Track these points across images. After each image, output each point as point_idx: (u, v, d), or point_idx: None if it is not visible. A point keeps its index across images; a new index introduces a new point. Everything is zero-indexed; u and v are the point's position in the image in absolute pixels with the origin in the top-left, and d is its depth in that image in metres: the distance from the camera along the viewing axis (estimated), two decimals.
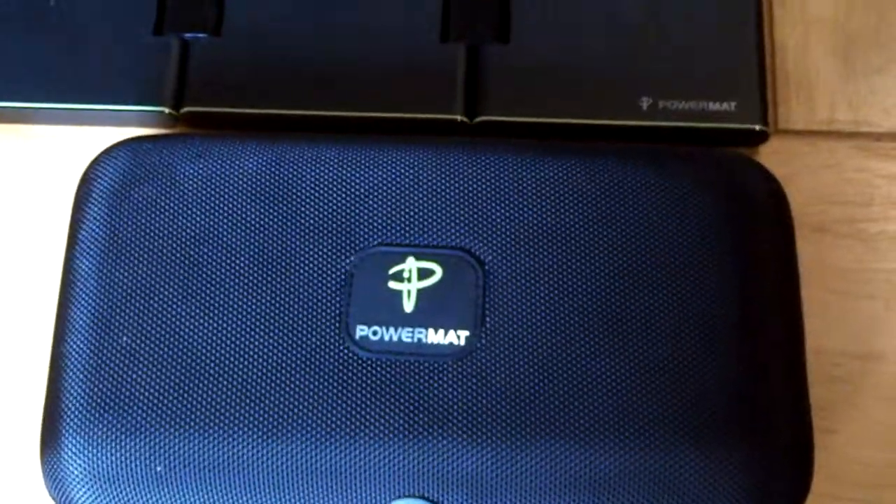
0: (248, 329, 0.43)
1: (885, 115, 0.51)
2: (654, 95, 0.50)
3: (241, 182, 0.46)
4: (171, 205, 0.45)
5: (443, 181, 0.45)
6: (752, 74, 0.50)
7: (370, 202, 0.45)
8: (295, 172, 0.46)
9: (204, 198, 0.45)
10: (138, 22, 0.52)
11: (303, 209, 0.45)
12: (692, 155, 0.47)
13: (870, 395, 0.47)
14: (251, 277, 0.44)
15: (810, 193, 0.50)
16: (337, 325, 0.43)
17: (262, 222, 0.45)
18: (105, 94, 0.52)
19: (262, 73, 0.52)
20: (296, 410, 0.42)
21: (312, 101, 0.51)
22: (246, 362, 0.43)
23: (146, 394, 0.43)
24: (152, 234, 0.45)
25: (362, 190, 0.45)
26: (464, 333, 0.43)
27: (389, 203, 0.45)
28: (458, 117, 0.50)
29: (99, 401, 0.43)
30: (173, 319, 0.44)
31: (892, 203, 0.50)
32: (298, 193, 0.45)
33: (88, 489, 0.42)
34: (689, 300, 0.43)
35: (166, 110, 0.51)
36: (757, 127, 0.49)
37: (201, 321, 0.44)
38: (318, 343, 0.43)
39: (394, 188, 0.45)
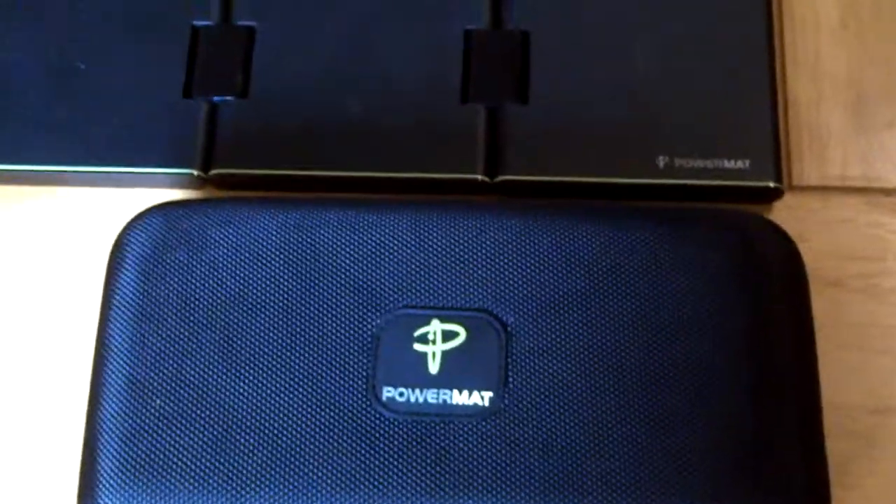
0: (278, 392, 0.45)
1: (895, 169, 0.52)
2: (671, 154, 0.51)
3: (268, 247, 0.47)
4: (202, 270, 0.47)
5: (465, 244, 0.47)
6: (765, 132, 0.51)
7: (395, 265, 0.46)
8: (321, 237, 0.47)
9: (233, 263, 0.47)
10: (167, 85, 0.54)
11: (329, 272, 0.46)
12: (708, 216, 0.48)
13: (886, 450, 0.48)
14: (280, 340, 0.45)
15: (824, 249, 0.51)
16: (364, 386, 0.45)
17: (290, 286, 0.46)
18: (135, 156, 0.53)
19: (288, 135, 0.53)
20: (325, 472, 0.43)
21: (337, 161, 0.52)
22: (276, 424, 0.44)
23: (180, 457, 0.44)
24: (184, 299, 0.46)
25: (387, 253, 0.47)
26: (487, 394, 0.44)
27: (414, 265, 0.46)
28: (479, 177, 0.52)
29: (134, 464, 0.44)
30: (205, 383, 0.45)
31: None
32: (324, 257, 0.47)
33: None
34: (706, 359, 0.44)
35: (195, 173, 0.52)
36: (771, 184, 0.51)
37: (233, 384, 0.45)
38: (347, 405, 0.44)
39: (418, 251, 0.47)
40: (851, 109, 0.53)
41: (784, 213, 0.51)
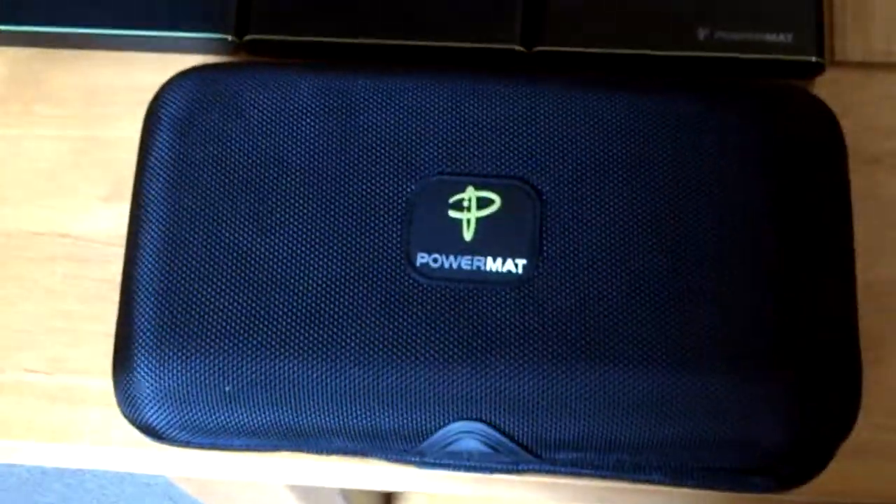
0: (311, 255, 0.45)
1: None
2: (712, 26, 0.50)
3: (304, 110, 0.47)
4: (237, 131, 0.47)
5: (501, 112, 0.46)
6: (809, 5, 0.50)
7: (430, 131, 0.46)
8: (357, 101, 0.47)
9: (269, 125, 0.47)
10: None
11: (365, 137, 0.46)
12: (747, 87, 0.47)
13: None
14: (315, 203, 0.45)
15: (864, 126, 0.50)
16: (398, 252, 0.45)
17: (325, 150, 0.46)
18: (170, 20, 0.52)
19: (323, 2, 0.52)
20: (358, 334, 0.44)
21: (372, 29, 0.52)
22: (310, 286, 0.44)
23: (215, 315, 0.44)
24: (219, 160, 0.46)
25: (423, 119, 0.46)
26: (521, 261, 0.44)
27: (449, 132, 0.46)
28: (516, 47, 0.51)
29: (169, 323, 0.44)
30: (240, 243, 0.45)
31: None
32: (360, 122, 0.46)
33: (160, 408, 0.44)
34: (740, 230, 0.44)
35: (229, 38, 0.52)
36: (813, 59, 0.50)
37: (267, 245, 0.45)
38: (381, 269, 0.45)
39: (453, 118, 0.46)
40: None
41: (825, 89, 0.50)
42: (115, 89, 0.53)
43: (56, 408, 0.49)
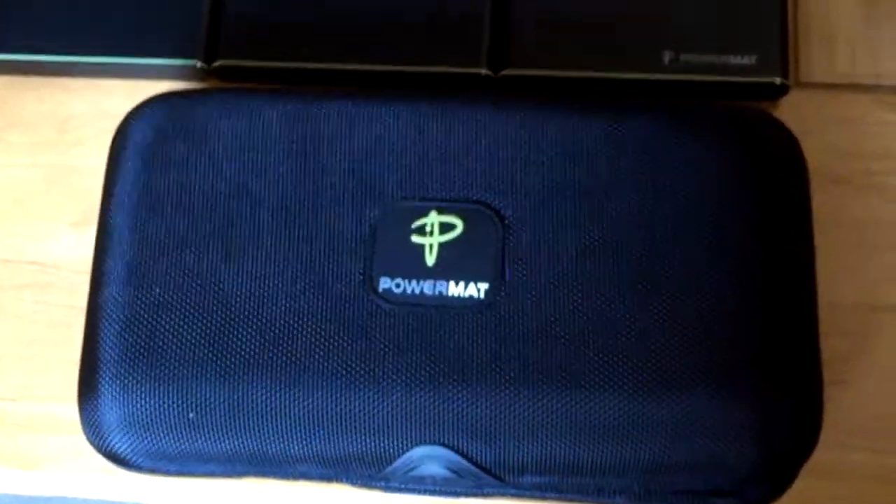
0: (276, 281, 0.45)
1: None
2: (677, 49, 0.51)
3: (268, 137, 0.47)
4: (203, 159, 0.47)
5: (464, 136, 0.47)
6: (773, 27, 0.51)
7: (393, 156, 0.46)
8: (320, 128, 0.47)
9: (234, 152, 0.47)
10: None
11: (328, 163, 0.46)
12: (709, 110, 0.48)
13: (882, 348, 0.48)
14: (279, 230, 0.46)
15: (829, 147, 0.50)
16: (361, 277, 0.45)
17: (289, 176, 0.46)
18: (139, 47, 0.53)
19: (292, 27, 0.53)
20: (320, 359, 0.44)
21: (340, 54, 0.52)
22: (274, 312, 0.44)
23: (179, 343, 0.44)
24: (184, 188, 0.46)
25: (386, 144, 0.47)
26: (484, 286, 0.45)
27: (412, 157, 0.46)
28: (483, 71, 0.51)
29: (134, 350, 0.44)
30: (204, 271, 0.45)
31: None
32: (324, 148, 0.47)
33: (124, 435, 0.44)
34: (702, 254, 0.44)
35: (198, 64, 0.52)
36: (777, 80, 0.50)
37: (231, 272, 0.45)
38: (343, 295, 0.45)
39: (416, 143, 0.47)
40: (862, 5, 0.52)
41: (791, 110, 0.51)
42: (87, 116, 0.54)
43: (23, 435, 0.49)
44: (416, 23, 0.52)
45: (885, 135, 0.50)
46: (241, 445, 0.44)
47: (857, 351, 0.48)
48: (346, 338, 0.44)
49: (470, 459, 0.43)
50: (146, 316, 0.45)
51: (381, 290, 0.45)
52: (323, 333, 0.44)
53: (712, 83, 0.50)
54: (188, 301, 0.45)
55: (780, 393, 0.43)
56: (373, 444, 0.44)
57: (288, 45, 0.53)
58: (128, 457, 0.45)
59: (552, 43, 0.52)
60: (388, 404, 0.43)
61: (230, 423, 0.44)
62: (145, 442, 0.44)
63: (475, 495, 0.46)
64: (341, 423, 0.43)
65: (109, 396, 0.44)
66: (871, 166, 0.50)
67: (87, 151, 0.53)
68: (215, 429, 0.44)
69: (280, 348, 0.44)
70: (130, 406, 0.44)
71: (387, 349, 0.44)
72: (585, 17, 0.52)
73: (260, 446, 0.44)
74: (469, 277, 0.45)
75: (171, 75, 0.53)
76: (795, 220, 0.46)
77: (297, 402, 0.44)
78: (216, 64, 0.52)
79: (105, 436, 0.45)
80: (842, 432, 0.47)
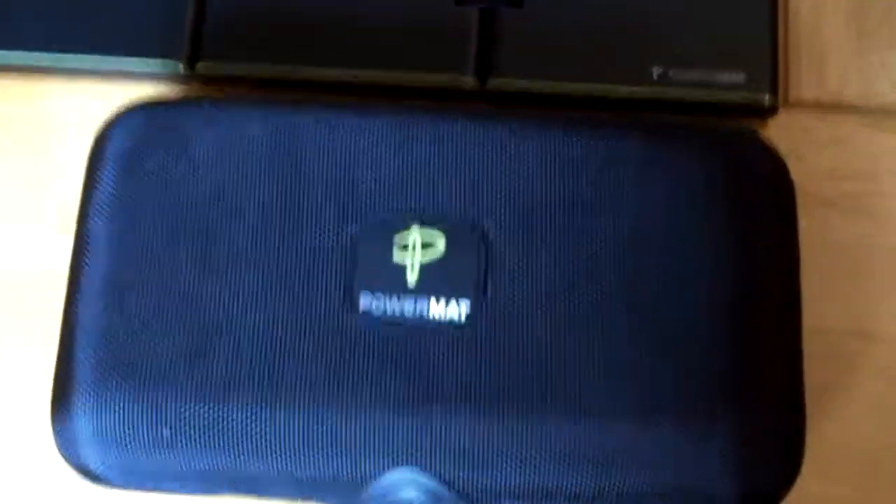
0: (254, 296, 0.44)
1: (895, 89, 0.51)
2: (666, 64, 0.50)
3: (249, 148, 0.46)
4: (182, 169, 0.46)
5: (448, 151, 0.46)
6: (763, 45, 0.50)
7: (376, 170, 0.46)
8: (302, 139, 0.46)
9: (214, 163, 0.46)
10: None
11: (309, 176, 0.46)
12: (696, 130, 0.47)
13: (867, 376, 0.47)
14: (258, 244, 0.45)
15: (818, 167, 0.50)
16: (341, 294, 0.44)
17: (269, 188, 0.46)
18: (122, 48, 0.52)
19: (276, 31, 0.52)
20: (298, 377, 0.43)
21: (325, 61, 0.51)
22: (251, 329, 0.44)
23: (154, 358, 0.44)
24: (164, 198, 0.46)
25: (368, 157, 0.46)
26: (465, 305, 0.44)
27: (395, 171, 0.46)
28: (470, 82, 0.51)
29: (109, 365, 0.44)
30: (181, 285, 0.44)
31: None
32: (305, 160, 0.46)
33: (97, 451, 0.44)
34: (686, 277, 0.44)
35: (181, 67, 0.52)
36: (766, 99, 0.50)
37: (208, 287, 0.44)
38: (323, 312, 0.44)
39: (399, 156, 0.46)
40: (853, 24, 0.52)
41: (779, 129, 0.50)
42: (64, 119, 0.53)
43: None
44: (402, 32, 0.51)
45: (875, 156, 0.50)
46: (217, 463, 0.43)
47: (844, 380, 0.47)
48: (324, 355, 0.44)
49: (447, 483, 0.43)
50: (122, 329, 0.44)
51: (361, 307, 0.44)
52: (301, 350, 0.44)
53: (701, 100, 0.50)
54: (165, 315, 0.44)
55: (761, 424, 0.43)
56: (349, 465, 0.43)
57: (272, 51, 0.52)
58: (101, 472, 0.44)
59: (540, 56, 0.51)
60: (365, 425, 0.43)
61: (205, 441, 0.43)
62: (119, 458, 0.44)
63: None
64: (317, 443, 0.43)
65: (83, 411, 0.44)
66: (860, 188, 0.50)
67: (66, 155, 0.52)
68: (190, 446, 0.43)
69: (257, 365, 0.43)
70: (104, 421, 0.43)
71: (366, 368, 0.43)
72: (574, 31, 0.51)
73: (235, 465, 0.43)
74: (450, 296, 0.44)
75: (154, 78, 0.52)
76: (781, 242, 0.45)
77: (273, 420, 0.43)
78: (198, 68, 0.52)
79: (78, 451, 0.44)
80: (824, 462, 0.46)
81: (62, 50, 0.52)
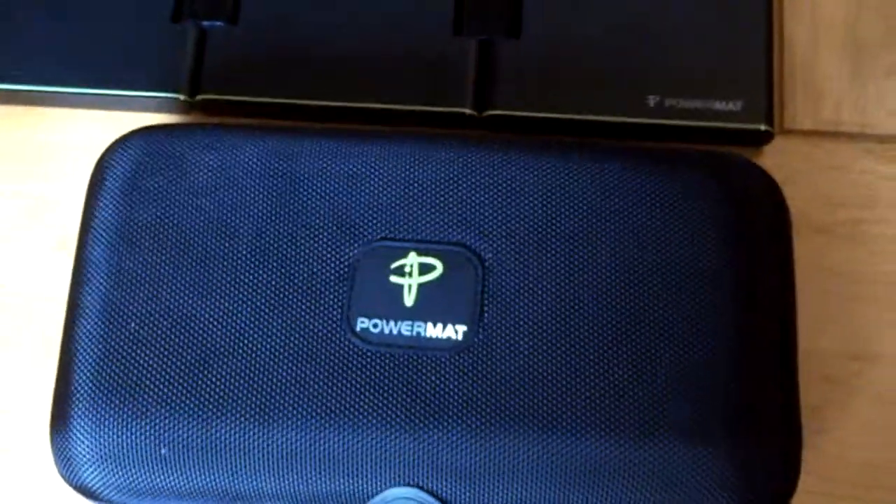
0: (252, 319, 0.45)
1: (890, 117, 0.51)
2: (662, 93, 0.51)
3: (248, 174, 0.47)
4: (182, 194, 0.47)
5: (446, 177, 0.46)
6: (759, 74, 0.51)
7: (374, 196, 0.46)
8: (301, 165, 0.47)
9: (213, 188, 0.47)
10: (156, 9, 0.54)
11: (308, 201, 0.46)
12: (692, 157, 0.47)
13: (862, 397, 0.48)
14: (257, 267, 0.45)
15: (813, 194, 0.50)
16: (339, 316, 0.45)
17: (268, 213, 0.46)
18: (122, 79, 0.53)
19: (277, 63, 0.53)
20: (296, 398, 0.43)
21: (324, 91, 0.52)
22: (249, 350, 0.44)
23: (153, 379, 0.44)
24: (163, 223, 0.46)
25: (367, 183, 0.46)
26: (462, 328, 0.44)
27: (393, 197, 0.46)
28: (468, 111, 0.51)
29: (108, 385, 0.44)
30: (180, 307, 0.45)
31: (894, 206, 0.50)
32: (304, 185, 0.46)
33: (96, 469, 0.44)
34: (683, 300, 0.44)
35: (182, 97, 0.52)
36: (762, 127, 0.50)
37: (207, 309, 0.45)
38: (320, 334, 0.44)
39: (397, 182, 0.46)
40: (848, 54, 0.52)
41: (775, 157, 0.51)
42: (67, 147, 0.53)
43: None
44: (400, 60, 0.52)
45: (870, 184, 0.50)
46: (214, 483, 0.44)
47: (839, 400, 0.47)
48: (322, 377, 0.44)
49: (444, 502, 0.43)
50: (120, 350, 0.44)
51: (358, 329, 0.44)
52: (299, 372, 0.44)
53: (697, 128, 0.50)
54: (163, 336, 0.44)
55: (758, 444, 0.43)
56: (347, 485, 0.43)
57: (271, 80, 0.52)
58: (98, 491, 0.44)
59: (537, 84, 0.51)
60: (363, 445, 0.43)
61: (203, 460, 0.43)
62: (117, 476, 0.44)
63: None
64: (315, 464, 0.43)
65: (81, 429, 0.44)
66: (855, 215, 0.50)
67: (67, 183, 0.52)
68: (188, 465, 0.43)
69: (255, 386, 0.44)
70: (102, 440, 0.44)
71: (363, 389, 0.44)
72: (571, 59, 0.52)
73: (233, 484, 0.44)
74: (447, 319, 0.44)
75: (154, 107, 0.53)
76: (777, 268, 0.45)
77: (271, 440, 0.43)
78: (199, 97, 0.52)
79: (76, 469, 0.44)
80: (823, 480, 0.46)
81: (65, 83, 0.53)
